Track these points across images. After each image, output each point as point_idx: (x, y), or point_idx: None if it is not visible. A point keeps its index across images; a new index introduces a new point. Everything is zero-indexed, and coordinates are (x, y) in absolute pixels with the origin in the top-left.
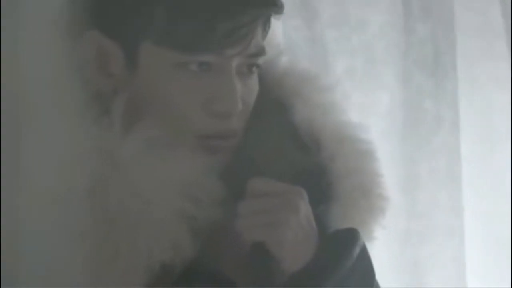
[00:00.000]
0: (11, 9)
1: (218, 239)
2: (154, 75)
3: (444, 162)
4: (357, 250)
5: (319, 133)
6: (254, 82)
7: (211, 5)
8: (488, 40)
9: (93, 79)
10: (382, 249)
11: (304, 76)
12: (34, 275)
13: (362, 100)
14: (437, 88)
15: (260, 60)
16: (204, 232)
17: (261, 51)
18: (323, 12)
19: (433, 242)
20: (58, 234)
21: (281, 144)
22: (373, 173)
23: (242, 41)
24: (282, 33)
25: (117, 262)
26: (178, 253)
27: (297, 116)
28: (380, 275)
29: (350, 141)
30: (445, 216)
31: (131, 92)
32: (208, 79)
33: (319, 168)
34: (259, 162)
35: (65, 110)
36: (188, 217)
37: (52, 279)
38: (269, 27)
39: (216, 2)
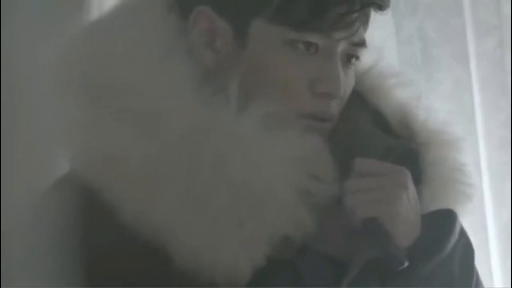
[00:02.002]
0: None
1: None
2: (264, 52)
3: None
4: (457, 227)
5: (412, 122)
6: (352, 74)
7: None
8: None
9: (200, 56)
10: None
11: (387, 73)
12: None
13: None
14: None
15: (360, 52)
16: (320, 209)
17: (363, 42)
18: None
19: None
20: (185, 203)
21: (374, 131)
22: (458, 161)
23: (350, 27)
24: None
25: (241, 231)
26: (300, 228)
27: (384, 107)
28: None
29: (440, 131)
30: None
31: (240, 69)
32: (314, 60)
33: (413, 154)
34: (357, 146)
35: (180, 88)
36: (307, 193)
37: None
38: (368, 21)
39: None
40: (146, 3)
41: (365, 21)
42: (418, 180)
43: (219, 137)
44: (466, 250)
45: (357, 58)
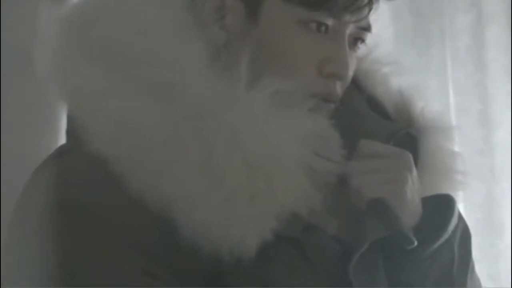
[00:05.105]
0: None
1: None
2: (276, 30)
3: None
4: (457, 211)
5: (411, 110)
6: (355, 58)
7: None
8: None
9: (209, 33)
10: None
11: (382, 60)
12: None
13: None
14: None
15: (365, 36)
16: (327, 188)
17: (368, 27)
18: None
19: None
20: (198, 176)
21: (373, 115)
22: (453, 150)
23: (361, 11)
24: None
25: (252, 206)
26: (308, 205)
27: (381, 93)
28: None
29: (437, 120)
30: None
31: (250, 46)
32: (324, 41)
33: (413, 139)
34: (359, 129)
35: (195, 62)
36: (314, 171)
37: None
38: (377, 7)
39: None
40: None
41: (374, 7)
42: (415, 165)
43: (233, 111)
44: (464, 233)
45: (363, 41)
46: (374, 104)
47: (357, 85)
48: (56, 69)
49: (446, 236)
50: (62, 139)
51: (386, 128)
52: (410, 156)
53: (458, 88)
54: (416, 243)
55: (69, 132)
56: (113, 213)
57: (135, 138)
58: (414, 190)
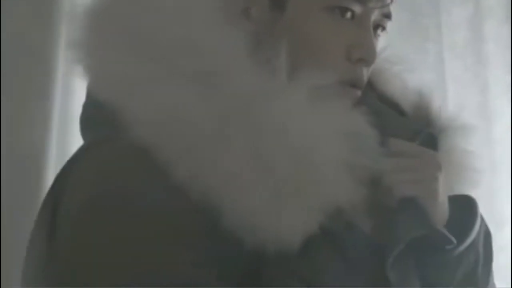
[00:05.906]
0: None
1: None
2: (302, 18)
3: None
4: (480, 212)
5: (429, 108)
6: (377, 45)
7: None
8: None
9: (235, 23)
10: None
11: (393, 59)
12: None
13: None
14: (416, 53)
15: (386, 24)
16: (365, 183)
17: (390, 14)
18: None
19: None
20: (245, 166)
21: (395, 113)
22: (469, 148)
23: None
24: None
25: (300, 197)
26: (351, 201)
27: (394, 91)
28: None
29: (453, 118)
30: None
31: (277, 36)
32: (350, 26)
33: (434, 139)
34: (386, 126)
35: (237, 51)
36: (357, 168)
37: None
38: None
39: None
40: None
41: None
42: None
43: (278, 103)
44: (486, 235)
45: (384, 29)
46: (385, 102)
47: (370, 84)
48: (91, 60)
49: (472, 238)
50: (55, 137)
51: (409, 127)
52: (438, 156)
53: (457, 81)
54: (455, 242)
55: (100, 122)
56: (159, 204)
57: (180, 127)
58: (444, 190)
